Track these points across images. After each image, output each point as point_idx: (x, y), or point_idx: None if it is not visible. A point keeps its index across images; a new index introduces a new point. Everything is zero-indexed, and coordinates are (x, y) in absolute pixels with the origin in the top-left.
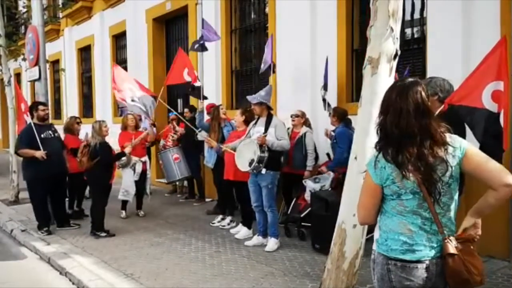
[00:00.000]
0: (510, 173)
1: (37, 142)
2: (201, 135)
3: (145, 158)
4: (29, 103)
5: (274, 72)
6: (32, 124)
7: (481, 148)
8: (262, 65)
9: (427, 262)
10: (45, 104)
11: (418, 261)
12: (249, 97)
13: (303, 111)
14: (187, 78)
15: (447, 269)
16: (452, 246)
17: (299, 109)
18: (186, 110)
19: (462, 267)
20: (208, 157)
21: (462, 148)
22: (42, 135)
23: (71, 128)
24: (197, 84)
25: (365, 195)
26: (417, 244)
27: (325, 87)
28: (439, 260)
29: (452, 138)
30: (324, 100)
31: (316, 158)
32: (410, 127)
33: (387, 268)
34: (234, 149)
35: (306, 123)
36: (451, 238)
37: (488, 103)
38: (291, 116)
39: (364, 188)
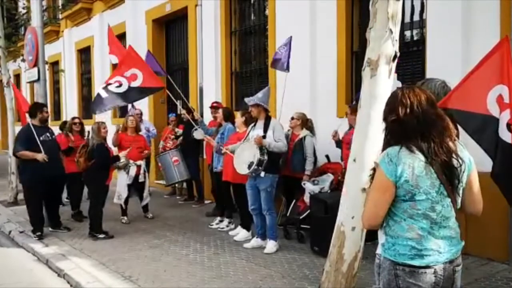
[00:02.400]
0: (481, 201)
1: (37, 144)
2: (197, 134)
3: (141, 162)
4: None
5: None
6: (31, 126)
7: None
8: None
9: (435, 267)
10: (46, 106)
11: (427, 267)
12: (246, 99)
13: (303, 112)
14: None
15: None
16: None
17: (297, 111)
18: (183, 111)
19: None
20: (216, 162)
21: (470, 163)
22: (41, 138)
23: (70, 128)
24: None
25: (377, 192)
26: (425, 249)
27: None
28: (447, 265)
29: (461, 150)
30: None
31: (315, 161)
32: (433, 119)
33: (395, 273)
34: (234, 152)
35: (307, 125)
36: None
37: (495, 109)
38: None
39: (376, 186)
